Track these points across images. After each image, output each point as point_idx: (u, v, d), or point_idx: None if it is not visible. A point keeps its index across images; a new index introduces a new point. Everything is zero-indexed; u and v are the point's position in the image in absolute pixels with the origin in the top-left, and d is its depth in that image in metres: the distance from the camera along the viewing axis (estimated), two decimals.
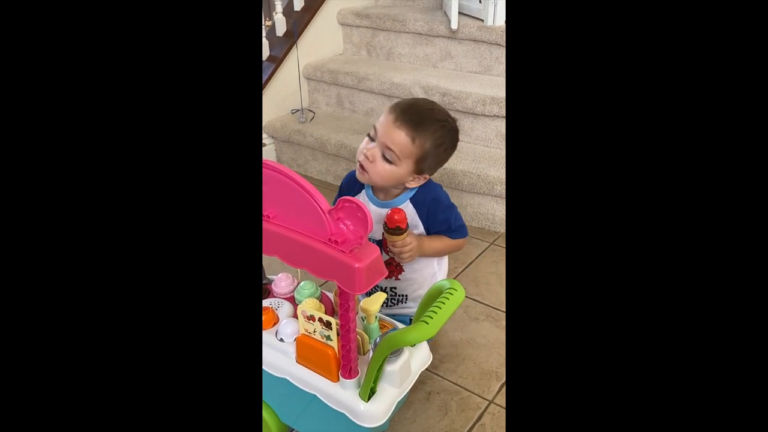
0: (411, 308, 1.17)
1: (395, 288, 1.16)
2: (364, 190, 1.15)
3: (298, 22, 2.10)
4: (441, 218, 1.10)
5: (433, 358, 0.94)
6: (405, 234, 1.00)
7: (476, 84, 1.81)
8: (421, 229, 1.11)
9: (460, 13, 1.89)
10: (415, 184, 1.07)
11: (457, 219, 1.12)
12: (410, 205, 1.10)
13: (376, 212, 1.08)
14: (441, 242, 1.10)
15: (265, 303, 0.94)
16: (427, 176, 1.07)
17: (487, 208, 1.66)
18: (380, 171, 1.03)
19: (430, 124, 1.01)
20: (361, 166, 1.05)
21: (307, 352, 0.84)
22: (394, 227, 0.98)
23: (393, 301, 1.18)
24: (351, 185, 1.16)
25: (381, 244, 1.11)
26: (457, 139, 1.08)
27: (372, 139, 1.04)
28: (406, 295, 1.17)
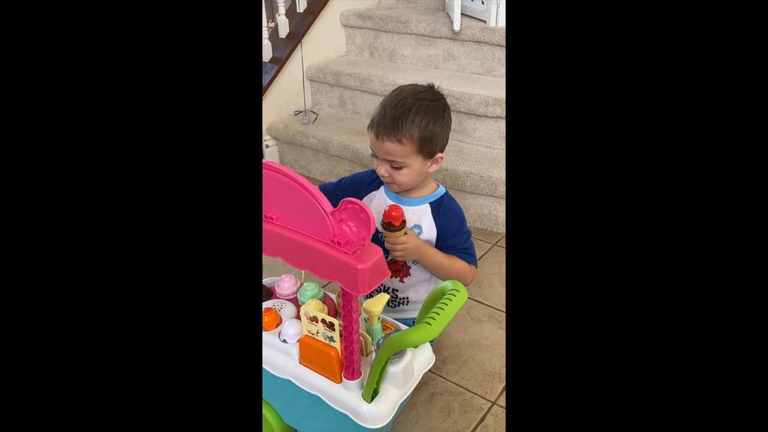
0: (411, 313, 1.18)
1: (397, 290, 1.17)
2: (382, 186, 1.16)
3: (301, 24, 2.10)
4: (453, 231, 1.10)
5: (435, 360, 0.94)
6: (401, 232, 1.00)
7: (479, 85, 1.81)
8: (434, 233, 1.11)
9: (462, 14, 1.89)
10: (436, 166, 1.08)
11: (466, 242, 1.11)
12: (429, 208, 1.11)
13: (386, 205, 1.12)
14: (448, 259, 1.08)
15: (269, 304, 0.94)
16: (441, 155, 1.08)
17: (489, 210, 1.66)
18: (401, 178, 1.06)
19: (405, 118, 1.01)
20: (389, 184, 1.10)
21: (310, 354, 0.84)
22: (387, 222, 0.99)
23: (394, 302, 1.18)
24: (367, 179, 1.18)
25: None
26: (442, 105, 1.07)
27: (377, 157, 1.07)
28: (407, 298, 1.17)
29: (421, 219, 1.11)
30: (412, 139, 1.01)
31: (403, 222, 1.00)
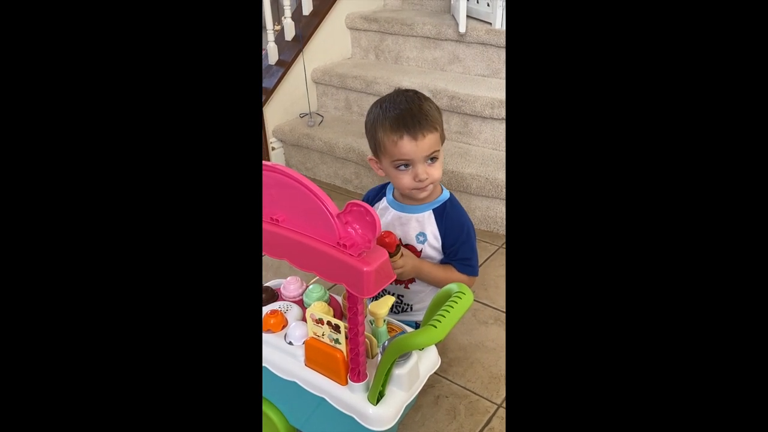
0: (415, 316, 1.18)
1: (402, 296, 1.17)
2: (384, 197, 1.17)
3: (307, 27, 2.11)
4: (455, 238, 1.10)
5: (441, 362, 0.93)
6: (396, 256, 1.00)
7: (484, 87, 1.81)
8: (439, 239, 1.11)
9: (468, 16, 1.89)
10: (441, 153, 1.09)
11: (466, 253, 1.10)
12: (432, 215, 1.10)
13: (395, 216, 1.13)
14: (444, 273, 1.09)
15: (274, 306, 0.95)
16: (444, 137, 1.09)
17: (495, 212, 1.66)
18: (436, 171, 1.05)
19: (422, 104, 1.04)
20: (424, 188, 1.06)
21: (315, 356, 0.84)
22: None
23: (398, 308, 1.19)
24: (374, 194, 1.20)
25: None
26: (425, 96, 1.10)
27: (406, 166, 1.04)
28: (411, 305, 1.18)
29: (425, 227, 1.11)
30: (438, 121, 1.04)
31: (398, 246, 1.00)
